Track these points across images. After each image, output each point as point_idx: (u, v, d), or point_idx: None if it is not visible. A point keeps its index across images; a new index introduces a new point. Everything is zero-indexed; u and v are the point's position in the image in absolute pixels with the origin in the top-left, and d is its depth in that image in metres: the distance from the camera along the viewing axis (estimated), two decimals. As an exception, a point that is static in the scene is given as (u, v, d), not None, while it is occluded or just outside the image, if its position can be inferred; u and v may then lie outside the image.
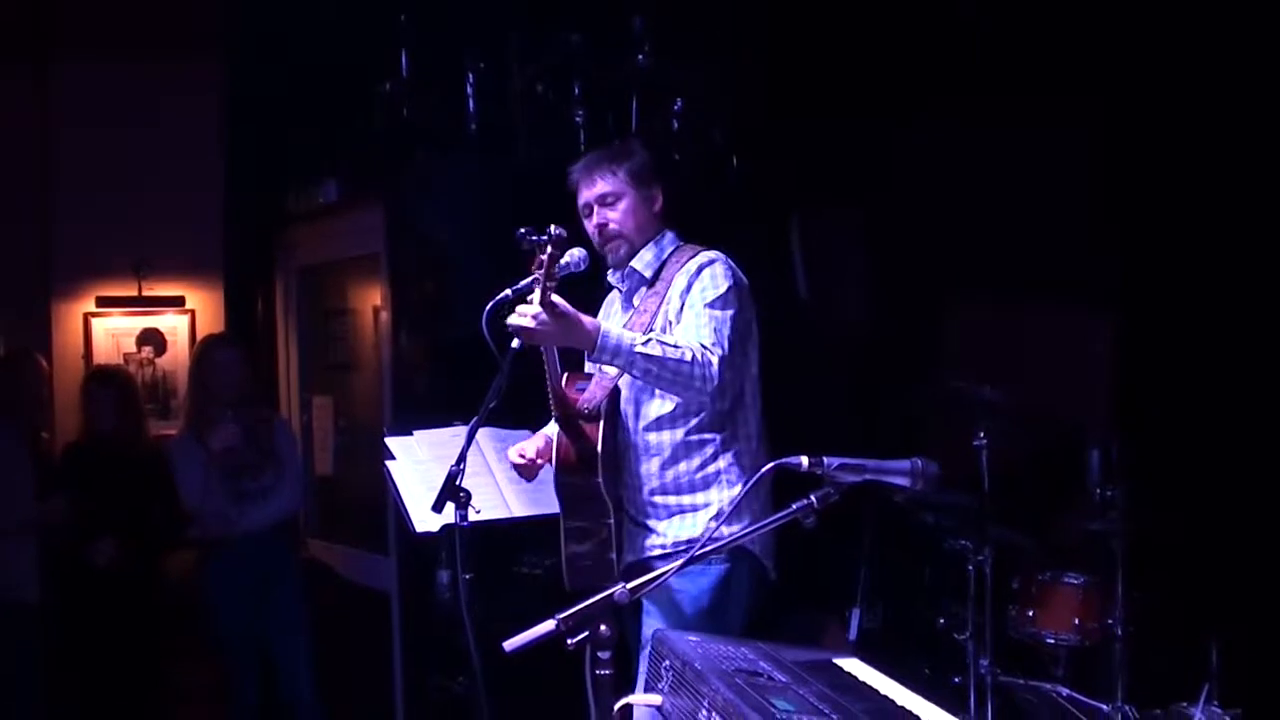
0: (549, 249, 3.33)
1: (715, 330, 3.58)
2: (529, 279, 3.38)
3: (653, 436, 3.70)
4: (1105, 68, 4.79)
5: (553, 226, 3.37)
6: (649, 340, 3.48)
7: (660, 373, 3.49)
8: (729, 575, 3.63)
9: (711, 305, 3.62)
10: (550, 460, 3.72)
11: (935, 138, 5.21)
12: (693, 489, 3.70)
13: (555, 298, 3.37)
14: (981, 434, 4.66)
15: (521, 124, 5.51)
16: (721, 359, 3.53)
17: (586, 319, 3.47)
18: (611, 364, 3.53)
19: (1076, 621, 4.54)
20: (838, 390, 5.51)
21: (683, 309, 3.65)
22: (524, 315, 3.35)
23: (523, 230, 3.36)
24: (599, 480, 3.61)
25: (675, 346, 3.50)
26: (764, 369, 3.81)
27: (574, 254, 3.58)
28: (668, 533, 3.71)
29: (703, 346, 3.52)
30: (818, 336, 5.57)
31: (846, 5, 5.39)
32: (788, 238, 5.77)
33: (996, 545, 4.69)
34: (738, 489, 3.67)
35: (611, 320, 3.91)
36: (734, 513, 3.54)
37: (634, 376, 3.58)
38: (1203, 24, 4.57)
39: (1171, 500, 4.45)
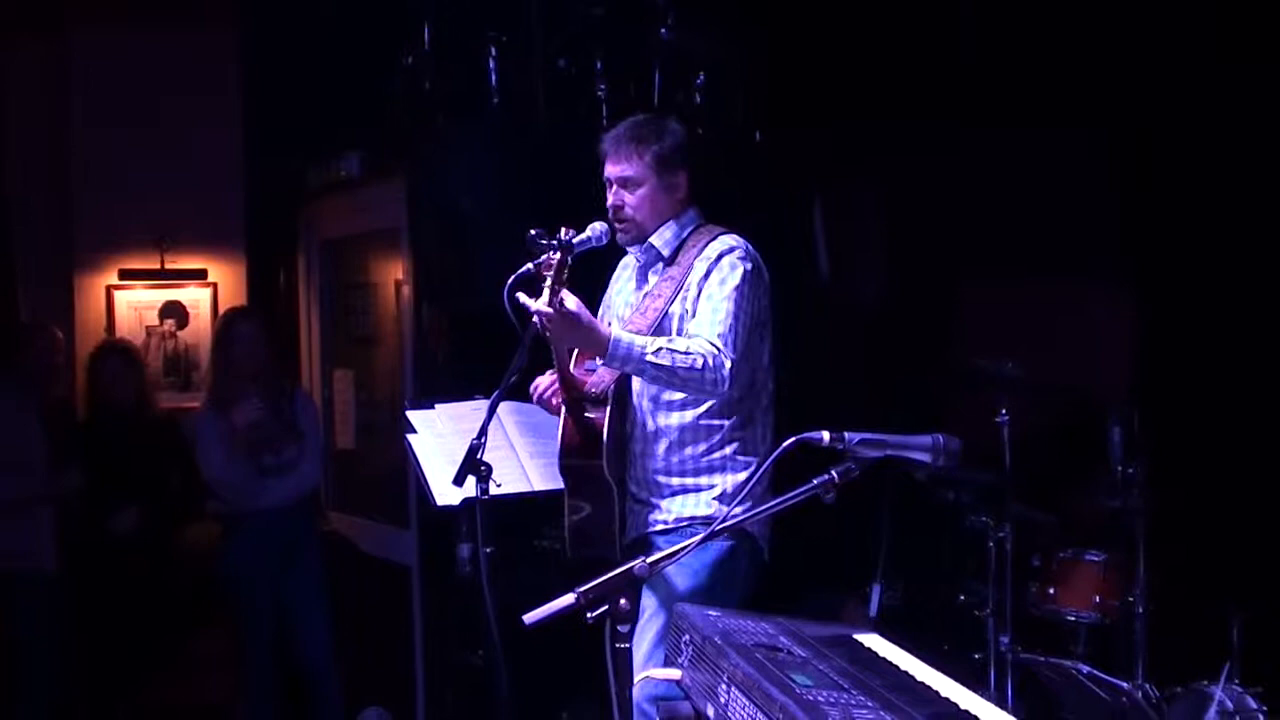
0: (558, 255, 3.36)
1: (729, 328, 3.58)
2: (536, 265, 3.41)
3: (663, 419, 3.71)
4: (1123, 52, 4.77)
5: (563, 230, 3.41)
6: (659, 349, 3.49)
7: (670, 379, 3.54)
8: (730, 553, 3.64)
9: (728, 298, 3.61)
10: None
11: (955, 114, 5.19)
12: (697, 472, 3.71)
13: (571, 303, 3.40)
14: (1003, 410, 4.66)
15: (543, 97, 5.50)
16: (734, 362, 3.55)
17: (600, 324, 3.51)
18: (622, 369, 3.57)
19: (1097, 599, 4.53)
20: (858, 367, 5.50)
21: (699, 298, 3.64)
22: (538, 309, 3.37)
23: (533, 233, 3.40)
24: (602, 464, 3.62)
25: (686, 354, 3.50)
26: (784, 347, 3.81)
27: (595, 228, 3.61)
28: (670, 509, 3.72)
29: (715, 350, 3.53)
30: (838, 313, 5.56)
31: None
32: (808, 215, 5.75)
33: (1017, 522, 4.68)
34: (743, 475, 3.69)
35: (622, 291, 3.93)
36: (743, 494, 3.57)
37: (645, 380, 3.61)
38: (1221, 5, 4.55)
39: (1193, 477, 4.44)
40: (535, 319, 3.38)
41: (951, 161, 5.28)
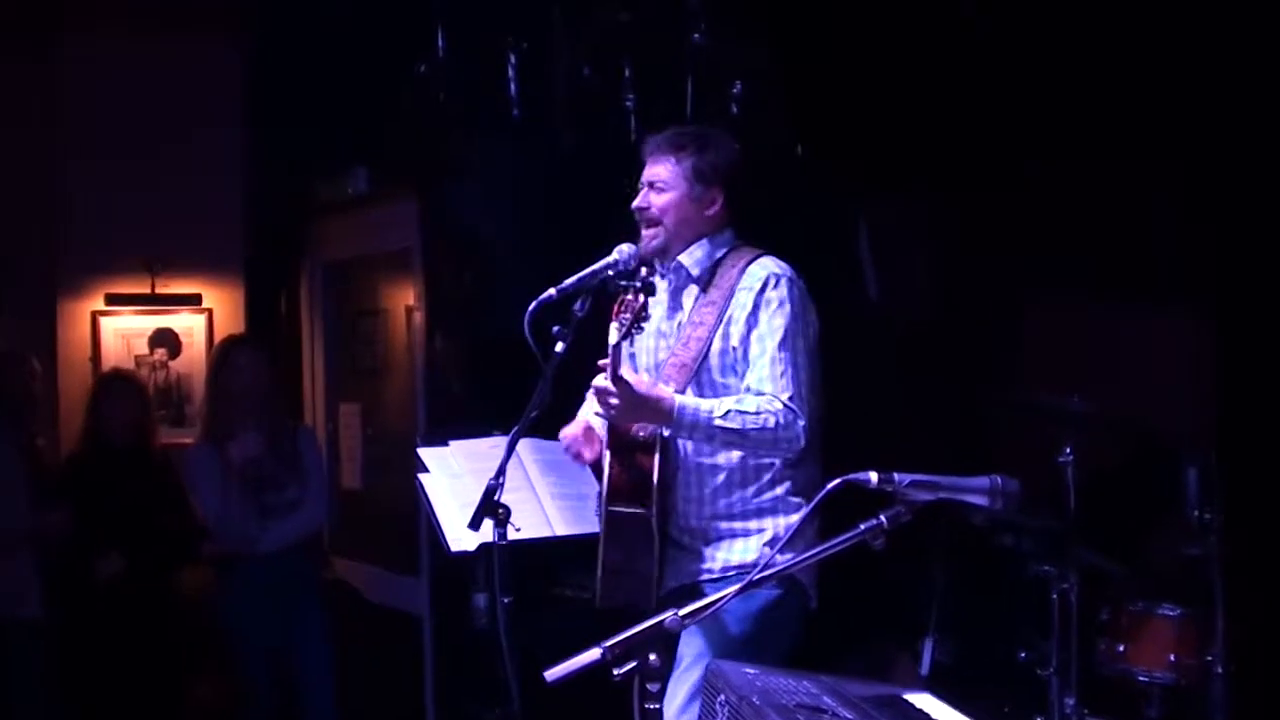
0: (641, 296, 3.43)
1: (792, 379, 3.61)
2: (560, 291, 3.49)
3: (709, 460, 3.72)
4: (1200, 62, 4.76)
5: (644, 270, 3.51)
6: (728, 411, 3.55)
7: (742, 443, 3.59)
8: (778, 601, 3.65)
9: (784, 345, 3.63)
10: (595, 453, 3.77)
11: (1015, 118, 5.19)
12: (746, 516, 3.73)
13: (630, 378, 3.48)
14: (1067, 449, 4.63)
15: (566, 109, 5.52)
16: (808, 416, 3.59)
17: (664, 394, 3.55)
18: (690, 439, 3.62)
19: (1172, 658, 4.48)
20: (908, 398, 5.49)
21: (748, 337, 3.66)
22: (603, 398, 3.46)
23: (611, 274, 3.53)
24: (651, 511, 3.63)
25: (757, 414, 3.55)
26: (829, 375, 3.80)
27: (623, 251, 3.63)
28: (717, 556, 3.73)
29: (786, 407, 3.57)
30: (888, 340, 5.56)
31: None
32: (855, 233, 5.75)
33: (1083, 572, 4.64)
34: (794, 517, 3.70)
35: (650, 317, 3.93)
36: (791, 538, 3.56)
37: (714, 446, 3.65)
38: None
39: (1277, 523, 4.41)
40: (594, 397, 3.48)
41: (1011, 172, 5.27)
